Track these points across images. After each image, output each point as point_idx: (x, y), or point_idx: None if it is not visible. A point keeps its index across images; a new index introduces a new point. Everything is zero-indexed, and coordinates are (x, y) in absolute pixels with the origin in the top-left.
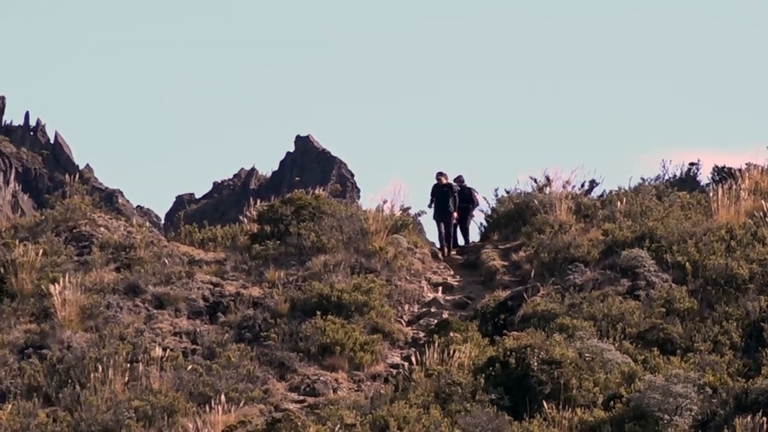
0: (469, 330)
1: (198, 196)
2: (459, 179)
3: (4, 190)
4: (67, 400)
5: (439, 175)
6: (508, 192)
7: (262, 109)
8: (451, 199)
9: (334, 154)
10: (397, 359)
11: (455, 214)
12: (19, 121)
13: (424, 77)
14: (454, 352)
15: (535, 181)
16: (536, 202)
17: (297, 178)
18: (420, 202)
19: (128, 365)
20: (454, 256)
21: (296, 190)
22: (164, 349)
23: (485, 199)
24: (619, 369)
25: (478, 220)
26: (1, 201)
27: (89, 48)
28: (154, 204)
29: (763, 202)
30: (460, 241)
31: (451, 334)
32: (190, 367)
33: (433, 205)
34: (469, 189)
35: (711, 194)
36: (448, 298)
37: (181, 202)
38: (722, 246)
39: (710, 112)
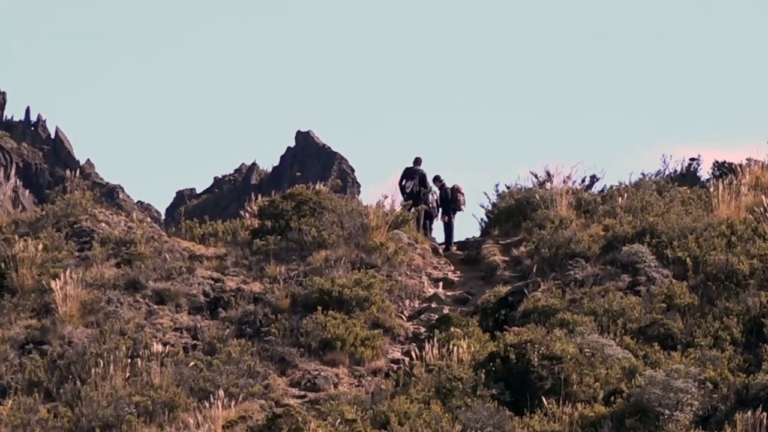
0: (469, 325)
1: (198, 191)
2: (436, 177)
3: (4, 185)
4: (67, 395)
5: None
6: (508, 187)
7: (262, 104)
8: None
9: (334, 149)
10: (397, 354)
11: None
12: (19, 116)
13: (425, 73)
14: (454, 347)
15: (536, 176)
16: (537, 197)
17: (297, 174)
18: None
19: (129, 361)
20: (454, 252)
21: (297, 186)
22: (165, 345)
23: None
24: (619, 364)
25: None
26: (2, 196)
27: (89, 43)
28: (155, 199)
29: (763, 197)
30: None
31: (452, 329)
32: (191, 362)
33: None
34: (448, 189)
35: (711, 189)
36: (448, 293)
37: (182, 197)
38: (723, 241)
39: (711, 108)
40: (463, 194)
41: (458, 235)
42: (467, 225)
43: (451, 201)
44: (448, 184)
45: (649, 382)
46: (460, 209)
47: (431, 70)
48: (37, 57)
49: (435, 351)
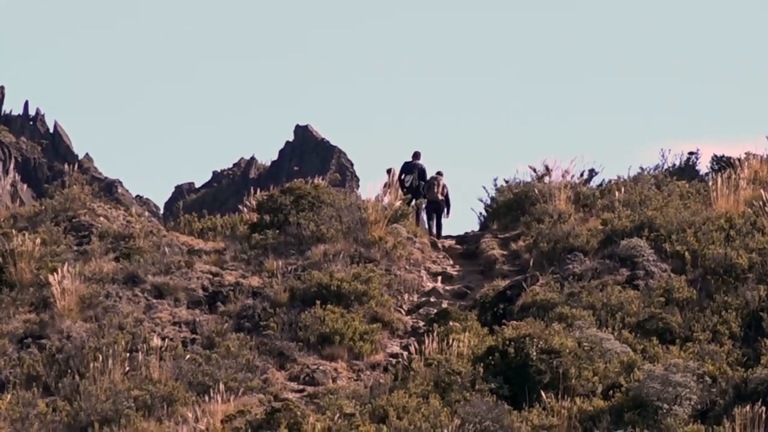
0: (468, 319)
1: (197, 185)
2: (438, 173)
3: (3, 179)
4: (66, 389)
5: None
6: (507, 181)
7: (261, 98)
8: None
9: (333, 143)
10: (396, 348)
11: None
12: (18, 110)
13: (424, 65)
14: (453, 341)
15: (535, 170)
16: (535, 191)
17: (296, 168)
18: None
19: (127, 355)
20: (453, 246)
21: (295, 180)
22: (163, 339)
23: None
24: (618, 358)
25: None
26: (1, 190)
27: (88, 37)
28: (154, 193)
29: (762, 191)
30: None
31: (451, 323)
32: (189, 356)
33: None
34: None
35: (710, 183)
36: (447, 287)
37: (181, 191)
38: (721, 235)
39: (710, 103)
40: (435, 184)
41: (458, 230)
42: (466, 219)
43: (421, 190)
44: (444, 180)
45: (648, 376)
46: (435, 198)
47: (430, 65)
48: (36, 51)
49: (434, 345)
